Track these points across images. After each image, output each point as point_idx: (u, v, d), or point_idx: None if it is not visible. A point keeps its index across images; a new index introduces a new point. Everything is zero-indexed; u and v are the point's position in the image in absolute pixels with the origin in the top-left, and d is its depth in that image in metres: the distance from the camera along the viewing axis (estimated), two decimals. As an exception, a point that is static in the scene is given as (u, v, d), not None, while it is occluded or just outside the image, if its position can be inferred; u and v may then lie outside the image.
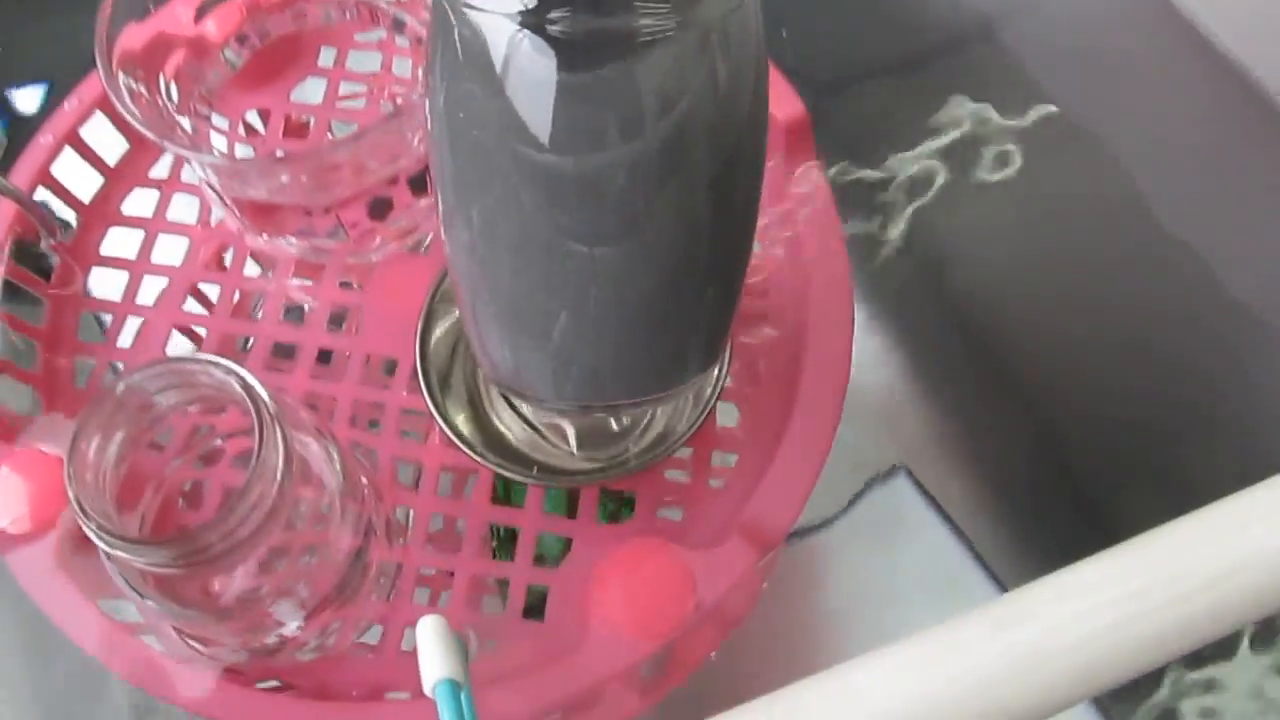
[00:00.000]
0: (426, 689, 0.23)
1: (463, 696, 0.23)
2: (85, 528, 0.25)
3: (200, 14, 0.37)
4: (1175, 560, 0.15)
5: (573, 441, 0.36)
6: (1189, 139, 0.47)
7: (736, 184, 0.24)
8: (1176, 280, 0.50)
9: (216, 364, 0.26)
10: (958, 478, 0.57)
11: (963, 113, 0.50)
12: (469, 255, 0.26)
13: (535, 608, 0.34)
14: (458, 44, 0.21)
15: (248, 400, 0.26)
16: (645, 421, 0.36)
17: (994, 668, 0.15)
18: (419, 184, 0.36)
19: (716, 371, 0.36)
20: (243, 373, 0.26)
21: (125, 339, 0.38)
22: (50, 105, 0.39)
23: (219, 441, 0.33)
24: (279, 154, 0.32)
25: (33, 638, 0.53)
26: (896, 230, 0.55)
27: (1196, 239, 0.48)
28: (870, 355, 0.60)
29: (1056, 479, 0.55)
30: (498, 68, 0.20)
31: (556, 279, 0.25)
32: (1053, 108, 0.48)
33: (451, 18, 0.20)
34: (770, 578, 0.50)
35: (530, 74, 0.20)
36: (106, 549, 0.25)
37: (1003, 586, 0.54)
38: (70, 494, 0.25)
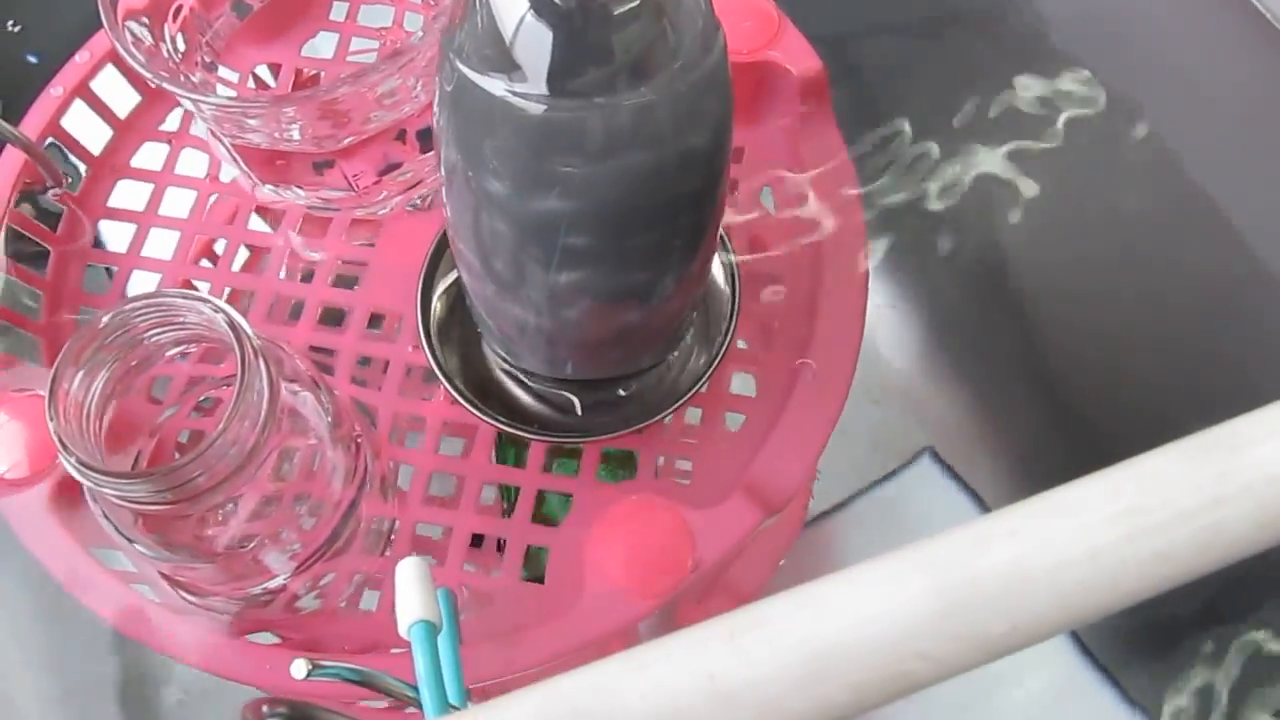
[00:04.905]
0: (401, 630, 0.22)
1: (441, 640, 0.22)
2: (65, 461, 0.24)
3: (209, -37, 0.36)
4: (1177, 479, 0.14)
5: (577, 404, 0.35)
6: (1221, 98, 0.45)
7: (697, 202, 0.27)
8: (1211, 260, 0.48)
9: (203, 299, 0.26)
10: (987, 459, 0.55)
11: (989, 80, 0.49)
12: (473, 256, 0.28)
13: (540, 579, 0.33)
14: (459, 86, 0.24)
15: (231, 334, 0.25)
16: (651, 382, 0.36)
17: (972, 587, 0.14)
18: (425, 138, 0.36)
19: (724, 330, 0.35)
20: (228, 309, 0.26)
21: (130, 293, 0.38)
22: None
23: (215, 392, 0.33)
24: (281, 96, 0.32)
25: (48, 600, 0.53)
26: (923, 208, 0.54)
27: (1236, 215, 0.46)
28: (898, 336, 0.58)
29: (1088, 462, 0.54)
30: (490, 108, 0.23)
31: (539, 287, 0.28)
32: (1084, 72, 0.46)
33: (454, 64, 0.23)
34: (789, 555, 0.49)
35: (517, 116, 0.23)
36: (88, 484, 0.25)
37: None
38: (51, 427, 0.25)
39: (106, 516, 0.27)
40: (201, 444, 0.24)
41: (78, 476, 0.24)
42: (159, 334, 0.27)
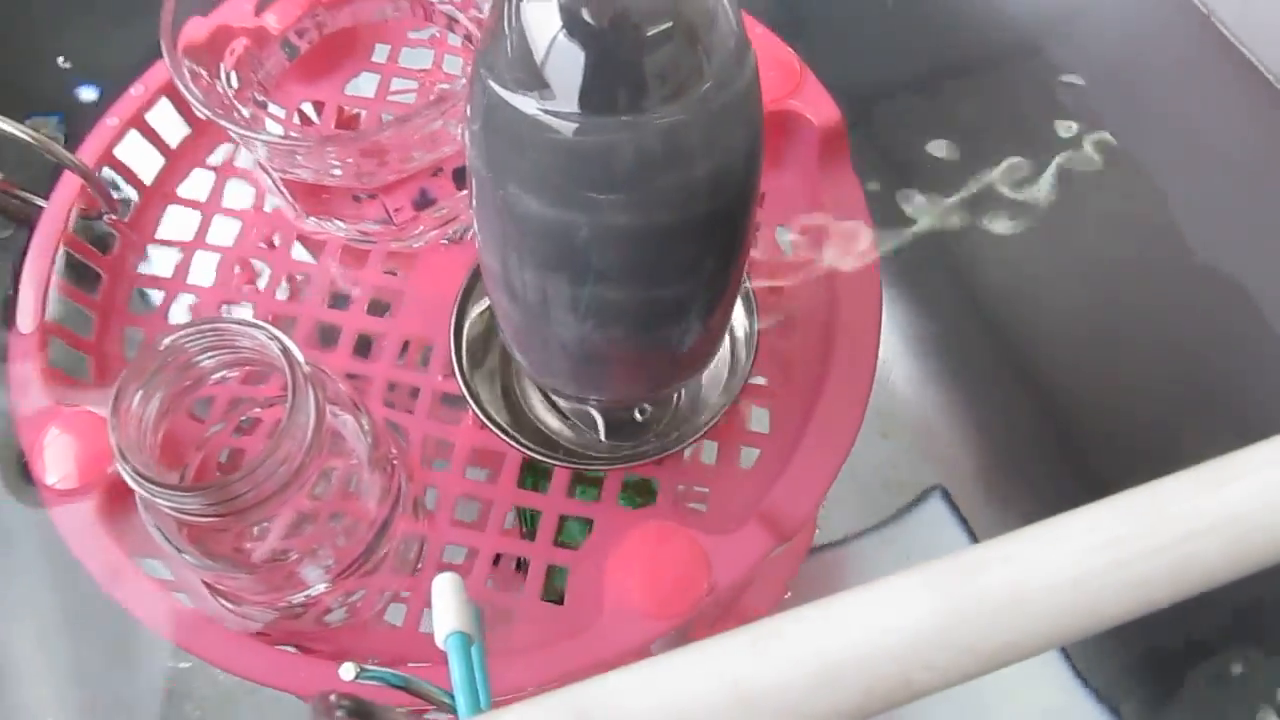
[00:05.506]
0: (438, 641, 0.23)
1: (474, 651, 0.24)
2: (123, 472, 0.26)
3: (261, 7, 0.38)
4: (1153, 514, 0.16)
5: (601, 430, 0.37)
6: (1225, 155, 0.47)
7: (727, 222, 0.27)
8: (1217, 302, 0.50)
9: (257, 326, 0.28)
10: (996, 501, 0.57)
11: (1001, 130, 0.51)
12: (500, 271, 0.29)
13: (559, 599, 0.35)
14: (490, 103, 0.24)
15: (283, 360, 0.27)
16: (671, 413, 0.37)
17: (968, 607, 0.15)
18: (460, 176, 0.38)
19: (741, 367, 0.36)
20: (281, 336, 0.27)
21: (174, 316, 0.39)
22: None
23: (257, 410, 0.34)
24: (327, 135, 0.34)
25: (72, 608, 0.54)
26: (938, 249, 0.55)
27: (1234, 261, 0.48)
28: (912, 376, 0.60)
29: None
30: (521, 126, 0.23)
31: (567, 305, 0.28)
32: (1092, 126, 0.48)
33: (486, 81, 0.24)
34: (796, 588, 0.51)
35: (548, 135, 0.23)
36: (144, 494, 0.26)
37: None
38: (112, 440, 0.26)
39: (157, 527, 0.28)
40: (252, 462, 0.26)
41: (135, 487, 0.26)
42: (212, 357, 0.29)
